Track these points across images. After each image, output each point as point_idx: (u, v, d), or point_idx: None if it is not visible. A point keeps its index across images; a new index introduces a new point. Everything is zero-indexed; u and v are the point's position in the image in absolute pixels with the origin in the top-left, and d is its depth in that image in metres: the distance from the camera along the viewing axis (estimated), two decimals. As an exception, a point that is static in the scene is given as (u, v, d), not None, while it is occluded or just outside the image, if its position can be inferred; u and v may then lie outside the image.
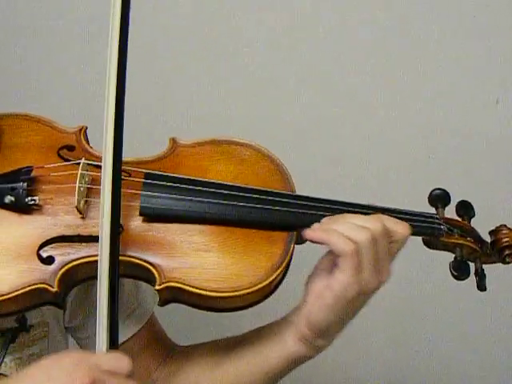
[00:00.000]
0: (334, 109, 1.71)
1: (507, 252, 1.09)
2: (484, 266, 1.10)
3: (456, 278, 1.07)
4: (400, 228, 1.03)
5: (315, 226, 1.02)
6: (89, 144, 1.11)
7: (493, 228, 1.11)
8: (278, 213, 1.04)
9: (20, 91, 1.44)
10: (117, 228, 0.94)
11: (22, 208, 1.02)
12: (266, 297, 1.05)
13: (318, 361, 1.08)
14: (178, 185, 1.04)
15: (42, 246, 1.01)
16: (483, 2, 1.63)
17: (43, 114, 1.12)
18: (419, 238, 1.10)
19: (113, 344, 0.92)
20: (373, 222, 1.00)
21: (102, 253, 0.94)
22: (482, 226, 1.13)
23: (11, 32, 1.75)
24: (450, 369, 1.82)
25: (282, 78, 1.72)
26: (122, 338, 1.15)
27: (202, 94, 1.70)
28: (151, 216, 1.03)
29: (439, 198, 1.11)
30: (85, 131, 1.12)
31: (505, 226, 1.11)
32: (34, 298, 1.01)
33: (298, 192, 1.08)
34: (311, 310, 1.02)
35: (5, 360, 1.10)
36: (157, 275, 1.00)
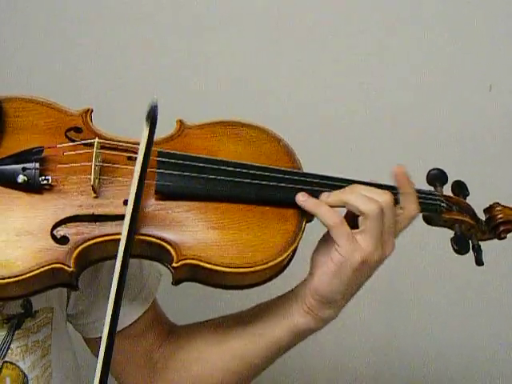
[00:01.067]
0: (330, 95, 1.75)
1: (502, 228, 1.14)
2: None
3: (457, 252, 1.12)
4: (409, 205, 1.07)
5: (324, 194, 1.06)
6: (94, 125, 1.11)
7: (487, 206, 1.17)
8: (290, 190, 1.06)
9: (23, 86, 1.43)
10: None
11: (35, 188, 1.02)
12: (279, 273, 1.07)
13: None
14: (191, 163, 1.06)
15: (55, 225, 1.01)
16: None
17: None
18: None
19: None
20: (382, 195, 1.04)
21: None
22: (475, 205, 1.18)
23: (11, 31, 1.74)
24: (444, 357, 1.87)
25: (282, 78, 1.75)
26: (127, 321, 1.16)
27: (204, 88, 1.71)
28: (167, 194, 1.04)
29: (437, 178, 1.16)
30: (90, 113, 1.12)
31: (498, 203, 1.17)
32: (50, 278, 1.01)
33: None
34: (315, 280, 1.05)
35: (11, 347, 1.09)
36: (173, 253, 1.01)
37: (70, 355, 1.20)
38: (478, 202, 1.17)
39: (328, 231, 1.06)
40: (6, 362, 1.09)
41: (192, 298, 1.62)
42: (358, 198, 1.03)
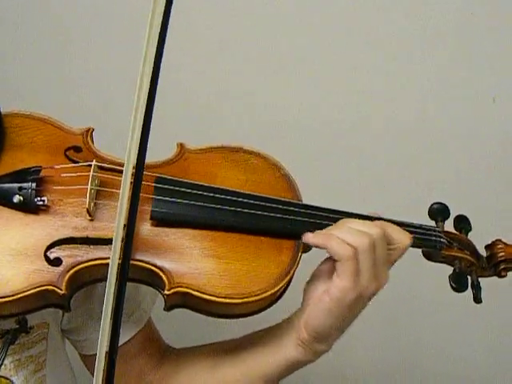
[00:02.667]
0: (334, 116, 1.73)
1: (503, 266, 1.13)
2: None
3: (455, 290, 1.10)
4: (401, 236, 1.05)
5: (317, 232, 1.04)
6: (94, 146, 1.11)
7: (489, 242, 1.15)
8: (287, 221, 1.05)
9: (23, 93, 1.43)
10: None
11: (31, 208, 1.01)
12: (271, 304, 1.07)
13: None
14: (189, 190, 1.05)
15: (49, 247, 1.01)
16: (480, -1, 1.66)
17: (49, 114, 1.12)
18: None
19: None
20: (372, 228, 1.02)
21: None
22: (477, 240, 1.16)
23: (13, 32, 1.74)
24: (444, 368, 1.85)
25: (285, 81, 1.74)
26: (120, 341, 1.15)
27: (205, 97, 1.71)
28: (162, 220, 1.03)
29: (439, 212, 1.14)
30: (91, 133, 1.11)
31: (500, 240, 1.15)
32: (41, 299, 1.01)
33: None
34: (310, 315, 1.04)
35: (4, 362, 1.09)
36: (166, 280, 1.00)
37: (67, 371, 1.21)
38: (478, 237, 1.16)
39: (323, 263, 1.05)
40: (0, 376, 1.09)
41: (188, 321, 1.62)
42: (347, 233, 1.01)
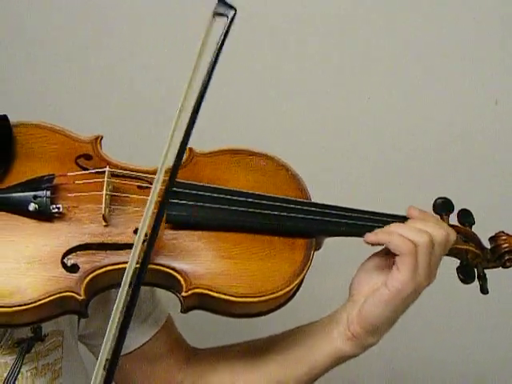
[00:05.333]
0: (336, 116, 1.76)
1: (507, 257, 1.15)
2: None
3: (463, 281, 1.13)
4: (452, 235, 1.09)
5: (376, 230, 1.07)
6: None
7: (492, 234, 1.18)
8: (299, 220, 1.07)
9: (33, 99, 1.43)
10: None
11: (46, 216, 1.02)
12: (286, 303, 1.08)
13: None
14: (202, 193, 1.06)
15: (65, 254, 1.02)
16: (483, 4, 1.68)
17: (57, 122, 1.13)
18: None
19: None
20: (435, 229, 1.06)
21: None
22: (480, 233, 1.19)
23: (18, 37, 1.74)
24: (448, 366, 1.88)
25: (287, 83, 1.76)
26: (137, 343, 1.18)
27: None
28: (178, 224, 1.05)
29: (443, 207, 1.16)
30: (100, 140, 1.12)
31: (503, 232, 1.18)
32: (59, 306, 1.02)
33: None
34: (365, 308, 1.06)
35: (21, 370, 1.09)
36: (183, 282, 1.02)
37: (83, 378, 1.21)
38: (481, 229, 1.18)
39: (372, 259, 1.09)
40: None
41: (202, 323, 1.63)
42: (409, 230, 1.05)
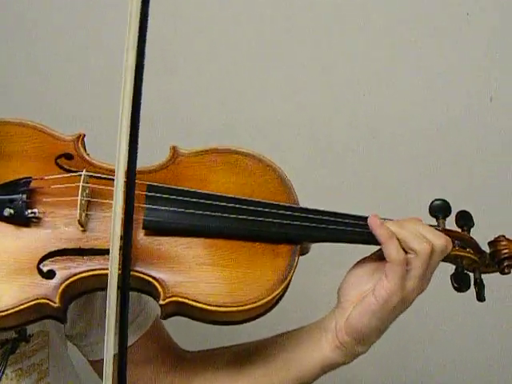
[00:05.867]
0: (330, 116, 1.71)
1: (506, 263, 1.10)
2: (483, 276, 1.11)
3: (457, 289, 1.08)
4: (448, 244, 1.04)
5: (386, 220, 1.03)
6: (86, 152, 1.09)
7: (491, 239, 1.12)
8: (282, 226, 1.03)
9: (33, 99, 1.43)
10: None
11: (22, 220, 1.00)
12: (270, 309, 1.04)
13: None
14: (181, 198, 1.03)
15: (42, 259, 0.99)
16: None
17: (39, 120, 1.10)
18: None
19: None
20: (437, 238, 1.02)
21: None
22: (480, 235, 1.13)
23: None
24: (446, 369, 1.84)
25: (282, 81, 1.72)
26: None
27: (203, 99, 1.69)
28: (155, 229, 1.02)
29: (440, 209, 1.11)
30: (83, 139, 1.09)
31: (503, 236, 1.12)
32: (35, 312, 1.00)
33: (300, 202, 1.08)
34: (353, 316, 1.03)
35: (6, 371, 1.09)
36: (161, 290, 0.98)
37: (72, 377, 1.21)
38: (481, 232, 1.13)
39: (362, 262, 1.05)
40: None
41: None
42: (414, 237, 1.01)
